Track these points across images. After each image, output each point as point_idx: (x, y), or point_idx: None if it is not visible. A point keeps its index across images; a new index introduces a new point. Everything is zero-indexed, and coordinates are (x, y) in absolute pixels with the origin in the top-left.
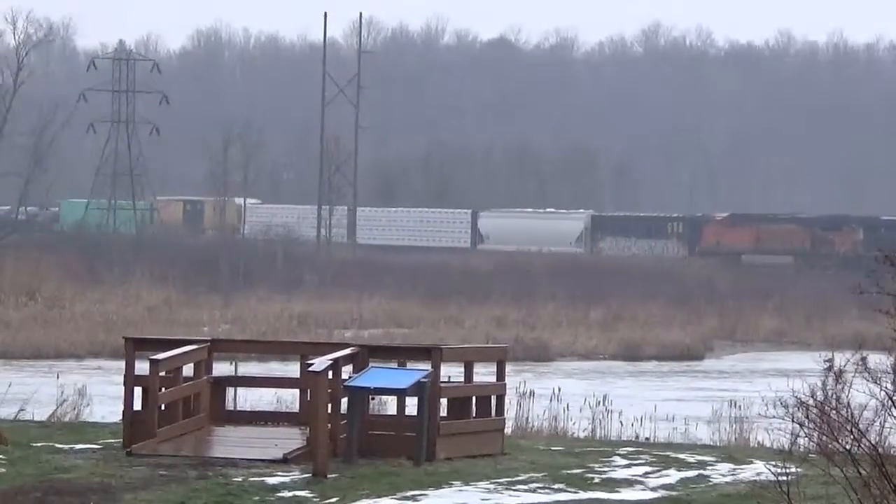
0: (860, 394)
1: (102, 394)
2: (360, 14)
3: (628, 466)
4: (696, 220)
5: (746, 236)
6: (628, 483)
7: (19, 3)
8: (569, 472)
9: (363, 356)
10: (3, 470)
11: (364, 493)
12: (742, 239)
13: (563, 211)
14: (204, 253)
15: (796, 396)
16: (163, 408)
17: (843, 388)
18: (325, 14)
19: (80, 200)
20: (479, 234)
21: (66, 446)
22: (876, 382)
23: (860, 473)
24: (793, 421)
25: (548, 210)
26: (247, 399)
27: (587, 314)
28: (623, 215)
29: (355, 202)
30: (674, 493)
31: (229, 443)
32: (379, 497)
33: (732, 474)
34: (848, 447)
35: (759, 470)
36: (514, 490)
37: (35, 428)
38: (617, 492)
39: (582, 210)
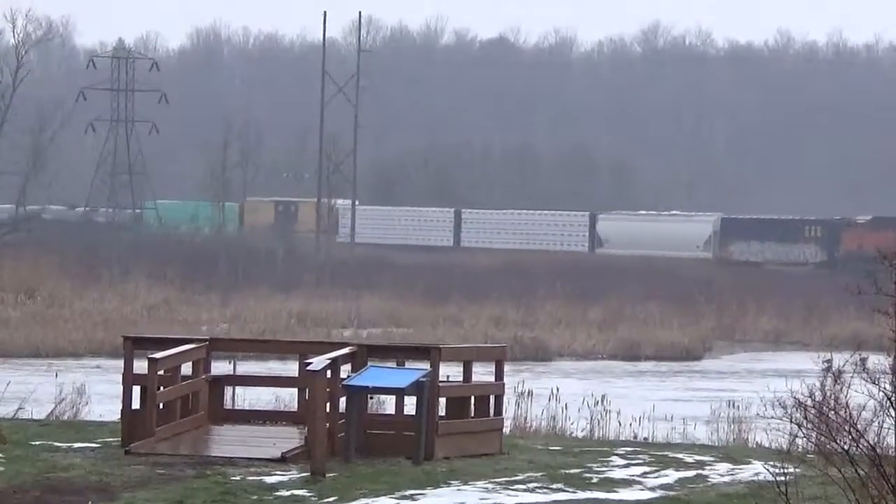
0: (859, 394)
1: (101, 392)
2: (360, 13)
3: (627, 466)
4: (835, 223)
5: (892, 241)
6: (626, 483)
7: (19, 1)
8: (567, 471)
9: (362, 355)
10: (2, 468)
11: (362, 492)
12: (887, 244)
13: (690, 213)
14: (203, 252)
15: (795, 397)
16: (161, 407)
17: (841, 388)
18: (325, 13)
19: (172, 202)
20: (597, 237)
21: (65, 445)
22: (874, 383)
23: (858, 474)
24: (791, 421)
25: (672, 212)
26: (245, 398)
27: (586, 314)
28: (755, 218)
29: (354, 201)
30: (672, 493)
31: (227, 442)
32: (377, 496)
33: (731, 474)
34: (846, 447)
35: (757, 470)
36: (513, 490)
37: (34, 426)
38: (615, 492)
39: (710, 212)
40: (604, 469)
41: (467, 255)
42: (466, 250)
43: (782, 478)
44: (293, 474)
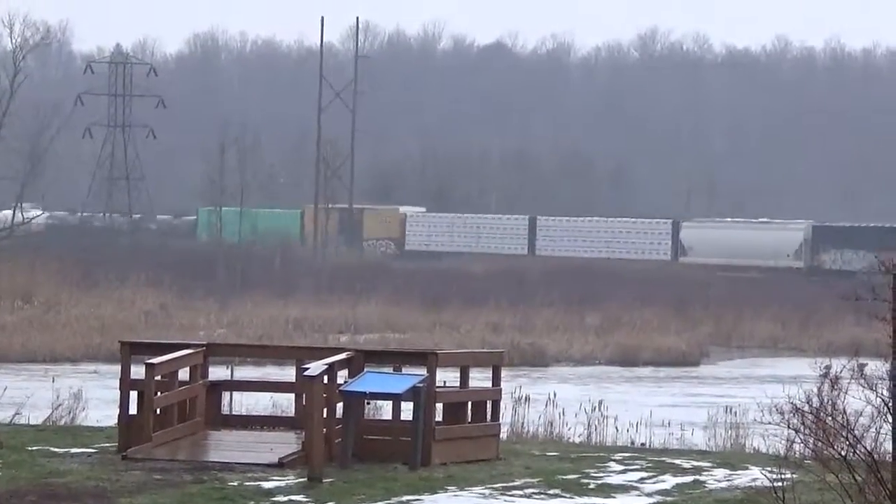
0: (856, 400)
1: (98, 398)
2: (357, 19)
3: (624, 472)
4: None
5: None
6: (624, 489)
7: (16, 5)
8: (564, 477)
9: (359, 361)
10: None
11: (359, 497)
12: None
13: (780, 221)
14: (200, 257)
15: (792, 402)
16: (158, 412)
17: (838, 394)
18: (322, 19)
19: (231, 209)
20: (680, 245)
21: (62, 450)
22: (871, 389)
23: (855, 479)
24: (788, 427)
25: (761, 220)
26: (242, 403)
27: (583, 319)
28: (850, 226)
29: (351, 206)
30: (669, 499)
31: (225, 447)
32: (374, 502)
33: (728, 480)
34: (843, 453)
35: (754, 476)
36: (510, 495)
37: (30, 432)
38: (612, 497)
39: (801, 220)
40: (601, 475)
41: (540, 262)
42: (540, 258)
43: (779, 484)
44: (290, 480)
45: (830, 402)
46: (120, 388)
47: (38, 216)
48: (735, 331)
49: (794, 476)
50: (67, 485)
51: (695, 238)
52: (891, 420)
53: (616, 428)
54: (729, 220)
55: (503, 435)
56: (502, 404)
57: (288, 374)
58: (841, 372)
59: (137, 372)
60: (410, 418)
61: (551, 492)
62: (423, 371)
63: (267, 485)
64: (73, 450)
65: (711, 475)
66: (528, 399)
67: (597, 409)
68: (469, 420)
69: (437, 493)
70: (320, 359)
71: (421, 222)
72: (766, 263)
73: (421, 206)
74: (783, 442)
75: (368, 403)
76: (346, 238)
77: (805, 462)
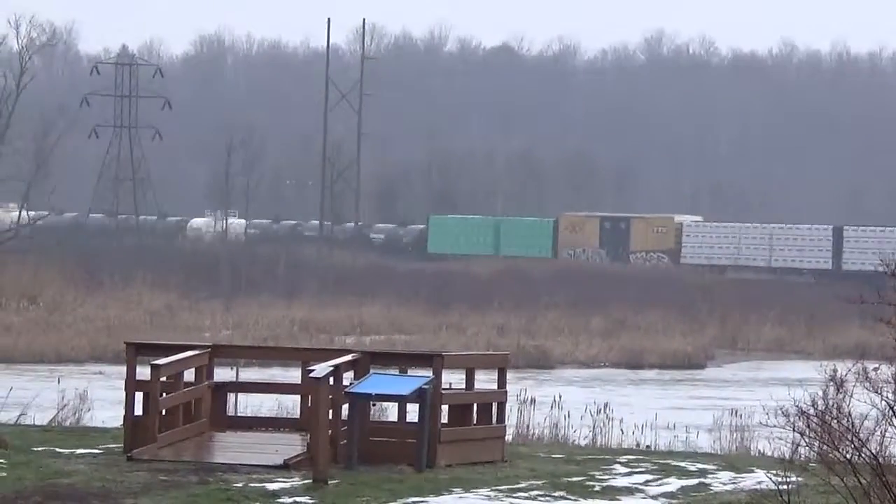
0: (861, 403)
1: (103, 398)
2: (364, 20)
3: (629, 474)
4: None
5: None
6: (629, 491)
7: (23, 6)
8: (569, 479)
9: (364, 362)
10: (4, 474)
11: (364, 499)
12: None
13: None
14: (205, 258)
15: (797, 405)
16: (164, 413)
17: (843, 397)
18: (329, 20)
19: (452, 216)
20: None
21: (67, 451)
22: (877, 392)
23: (861, 483)
24: (793, 430)
25: None
26: (248, 405)
27: (588, 322)
28: None
29: (357, 208)
30: (674, 502)
31: (230, 448)
32: None
33: (733, 483)
34: (848, 456)
35: (759, 479)
36: (515, 497)
37: (36, 432)
38: (617, 500)
39: None
40: (606, 477)
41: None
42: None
43: (785, 486)
44: (295, 481)
45: (836, 405)
46: (125, 389)
47: (44, 217)
48: (740, 333)
49: (800, 479)
50: (73, 486)
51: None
52: None
53: (621, 430)
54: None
55: (508, 437)
56: (508, 406)
57: (293, 375)
58: (846, 375)
59: (143, 373)
60: (416, 420)
61: (556, 494)
62: (428, 373)
63: (272, 486)
64: (79, 450)
65: (716, 478)
66: (533, 401)
67: (602, 411)
68: (474, 422)
69: (442, 494)
70: (326, 360)
71: (700, 232)
72: None
73: (697, 215)
74: (788, 445)
75: (374, 405)
76: (610, 250)
77: (810, 465)
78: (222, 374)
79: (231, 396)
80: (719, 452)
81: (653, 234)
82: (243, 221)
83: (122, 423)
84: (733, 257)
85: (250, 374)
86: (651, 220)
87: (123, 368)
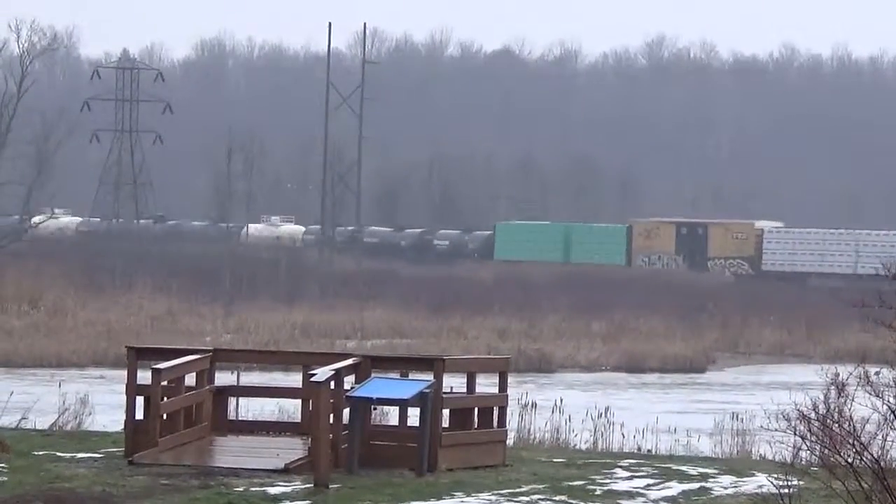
0: (862, 407)
1: (104, 403)
2: (365, 24)
3: (630, 478)
4: None
5: None
6: (630, 495)
7: (24, 11)
8: (570, 483)
9: (365, 366)
10: (5, 478)
11: (365, 503)
12: None
13: None
14: (206, 262)
15: (798, 409)
16: (165, 417)
17: (845, 401)
18: (330, 24)
19: (518, 222)
20: None
21: (68, 455)
22: (878, 396)
23: (862, 487)
24: (795, 434)
25: None
26: (248, 409)
27: (589, 326)
28: None
29: (359, 212)
30: None
31: (231, 452)
32: None
33: (734, 487)
34: (850, 460)
35: (760, 483)
36: (516, 501)
37: (37, 436)
38: None
39: None
40: (607, 481)
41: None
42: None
43: (786, 490)
44: (296, 485)
45: (837, 408)
46: (126, 394)
47: (45, 220)
48: (741, 337)
49: (801, 483)
50: (74, 490)
51: None
52: None
53: (622, 434)
54: None
55: (509, 441)
56: (509, 410)
57: (294, 379)
58: (847, 379)
59: (144, 377)
60: (417, 424)
61: (557, 498)
62: (429, 377)
63: (273, 490)
64: (80, 455)
65: (717, 482)
66: (534, 405)
67: (603, 415)
68: (476, 426)
69: (443, 498)
70: (327, 364)
71: (783, 238)
72: None
73: (779, 221)
74: (789, 449)
75: (375, 409)
76: (686, 256)
77: (811, 469)
78: (223, 378)
79: (232, 400)
80: (720, 456)
81: (732, 240)
82: (301, 227)
83: (123, 427)
84: (816, 264)
85: (251, 378)
86: (730, 226)
87: (124, 373)
